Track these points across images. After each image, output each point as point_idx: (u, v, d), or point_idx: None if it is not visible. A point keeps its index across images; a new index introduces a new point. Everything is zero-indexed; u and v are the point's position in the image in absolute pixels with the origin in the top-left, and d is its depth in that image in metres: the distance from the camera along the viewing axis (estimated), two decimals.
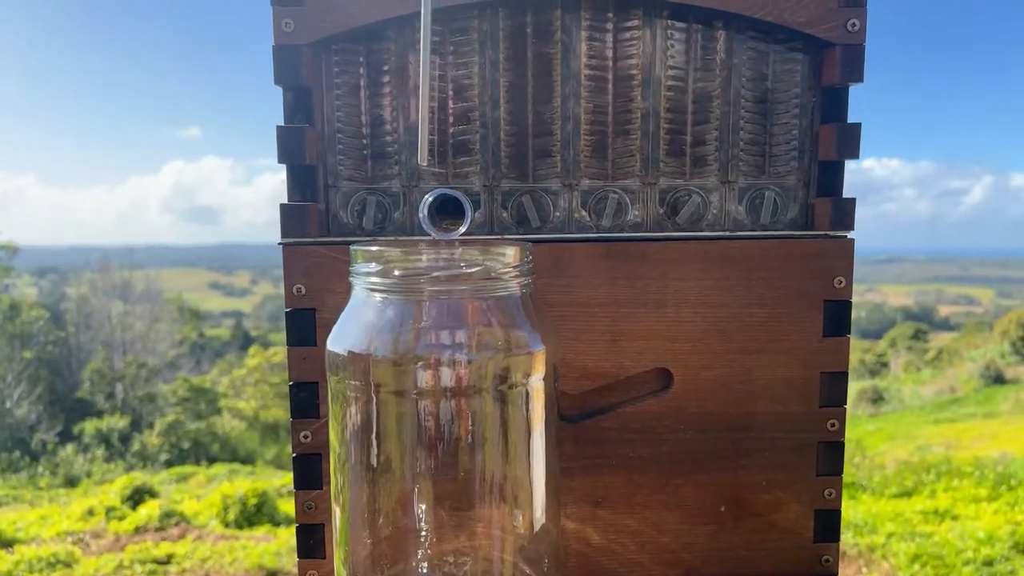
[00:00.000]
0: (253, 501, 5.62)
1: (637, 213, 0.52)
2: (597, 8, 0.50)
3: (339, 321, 0.41)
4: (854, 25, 0.48)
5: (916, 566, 4.14)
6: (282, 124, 0.48)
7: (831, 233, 0.51)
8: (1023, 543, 4.32)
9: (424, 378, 0.39)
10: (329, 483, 0.50)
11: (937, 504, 5.40)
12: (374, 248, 0.39)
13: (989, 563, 4.10)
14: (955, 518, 5.08)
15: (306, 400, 0.49)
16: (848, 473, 6.65)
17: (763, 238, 0.51)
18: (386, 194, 0.51)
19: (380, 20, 0.48)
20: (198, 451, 12.71)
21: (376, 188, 0.51)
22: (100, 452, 12.02)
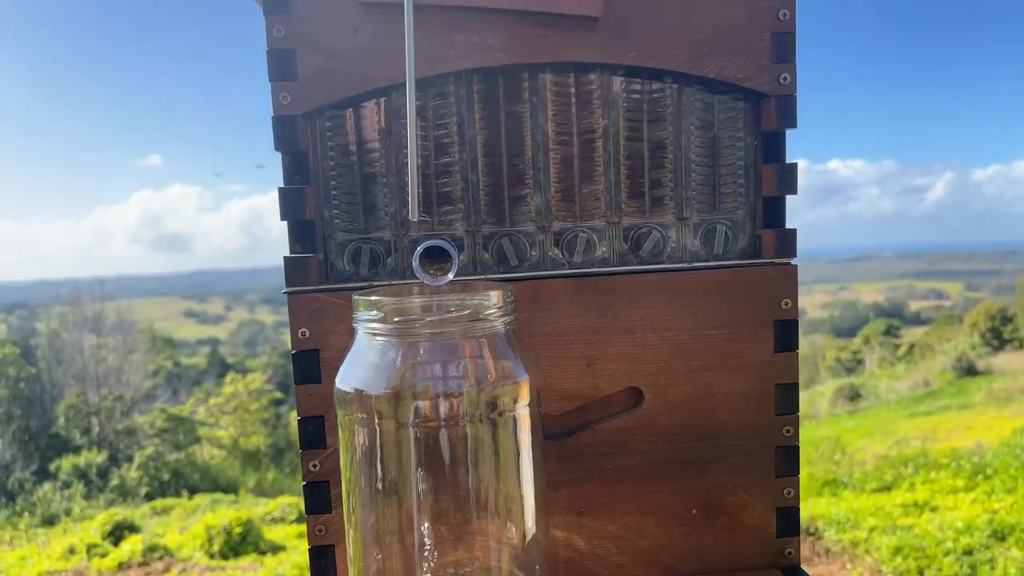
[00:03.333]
0: (238, 530, 5.57)
1: (604, 249, 0.58)
2: (559, 71, 0.56)
3: (345, 362, 0.46)
4: (785, 79, 0.55)
5: (898, 559, 4.22)
6: (283, 185, 0.53)
7: (776, 261, 0.57)
8: (1001, 531, 4.42)
9: (423, 409, 0.44)
10: (337, 507, 0.55)
11: (916, 497, 5.51)
12: (373, 298, 0.45)
13: (969, 552, 4.19)
14: (934, 509, 5.18)
15: (314, 433, 0.55)
16: (828, 470, 6.76)
17: (716, 267, 0.57)
18: (379, 242, 0.56)
19: (366, 91, 0.53)
20: (178, 482, 12.55)
21: (369, 237, 0.56)
22: (79, 488, 11.81)
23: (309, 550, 0.56)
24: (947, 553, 4.18)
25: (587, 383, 0.57)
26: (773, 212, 0.57)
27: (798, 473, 0.59)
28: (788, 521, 0.59)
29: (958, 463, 6.20)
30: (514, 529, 0.48)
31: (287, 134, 0.53)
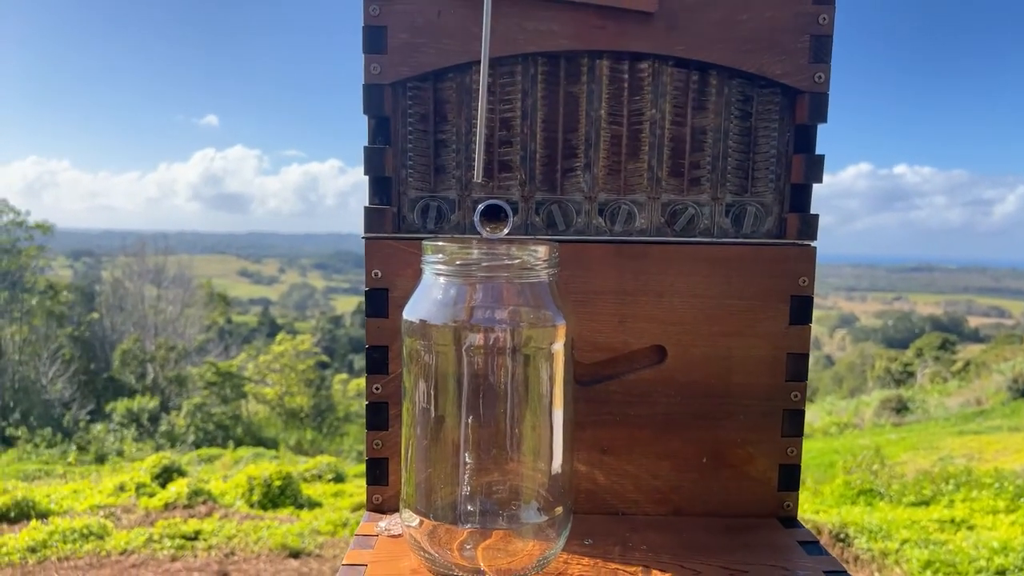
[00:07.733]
0: (278, 483, 5.81)
1: (643, 221, 0.65)
2: (616, 58, 0.63)
3: (412, 297, 0.54)
4: (820, 77, 0.61)
5: (928, 573, 4.18)
6: (367, 144, 0.62)
7: (798, 242, 0.63)
8: None
9: (475, 341, 0.52)
10: (394, 426, 0.64)
11: (954, 514, 5.42)
12: (440, 243, 0.53)
13: (1001, 572, 4.13)
14: (971, 528, 5.10)
15: (379, 360, 0.63)
16: (866, 480, 6.69)
17: (743, 244, 0.63)
18: (445, 201, 0.64)
19: (445, 66, 0.61)
20: (223, 434, 13.01)
21: (437, 195, 0.64)
22: (131, 432, 12.36)
23: (367, 461, 0.65)
24: (979, 571, 4.13)
25: (618, 338, 0.64)
26: (799, 198, 0.63)
27: (802, 434, 0.65)
28: (789, 477, 0.65)
29: (1002, 484, 6.06)
30: (544, 456, 0.56)
31: (375, 100, 0.61)
